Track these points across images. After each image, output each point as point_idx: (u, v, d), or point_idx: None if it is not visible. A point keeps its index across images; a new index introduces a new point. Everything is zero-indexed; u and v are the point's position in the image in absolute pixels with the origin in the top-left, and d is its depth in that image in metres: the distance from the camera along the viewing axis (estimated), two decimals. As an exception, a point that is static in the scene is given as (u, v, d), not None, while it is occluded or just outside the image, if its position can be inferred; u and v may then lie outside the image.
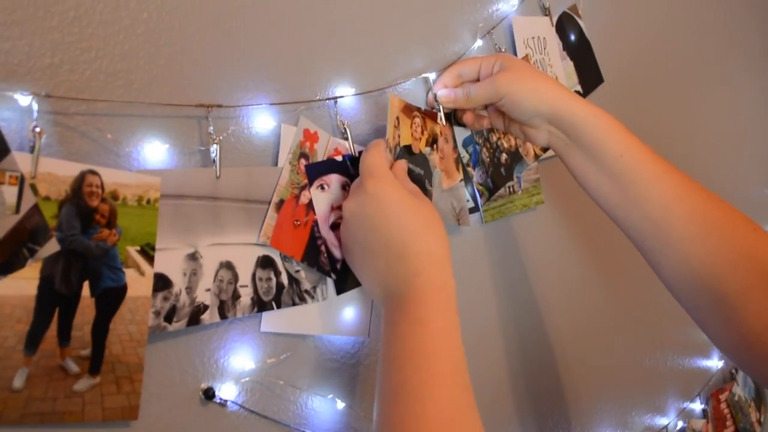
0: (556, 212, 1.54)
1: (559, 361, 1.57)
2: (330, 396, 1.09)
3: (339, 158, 1.07)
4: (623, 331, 1.78)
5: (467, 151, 1.29)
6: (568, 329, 1.59)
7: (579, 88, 1.56)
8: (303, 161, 1.03)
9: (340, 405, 1.09)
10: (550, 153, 1.45)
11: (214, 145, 0.92)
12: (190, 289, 0.92)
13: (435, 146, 1.22)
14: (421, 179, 1.17)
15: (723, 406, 2.16)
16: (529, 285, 1.49)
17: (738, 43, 2.37)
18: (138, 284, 0.86)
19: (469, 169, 1.29)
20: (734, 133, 2.35)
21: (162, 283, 0.89)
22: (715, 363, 2.21)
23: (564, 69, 1.51)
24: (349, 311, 1.10)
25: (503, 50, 1.35)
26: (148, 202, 0.87)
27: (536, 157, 1.42)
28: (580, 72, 1.56)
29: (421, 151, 1.19)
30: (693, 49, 2.10)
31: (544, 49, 1.45)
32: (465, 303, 1.23)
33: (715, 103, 2.23)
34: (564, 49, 1.52)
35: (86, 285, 0.82)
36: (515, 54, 1.39)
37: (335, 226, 1.06)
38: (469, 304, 1.33)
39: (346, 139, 1.08)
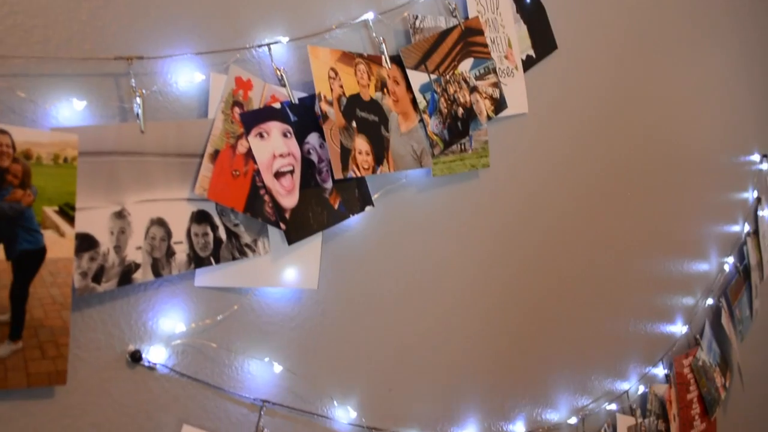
0: (502, 176, 1.57)
1: (517, 325, 1.61)
2: (267, 359, 1.11)
3: (277, 106, 1.09)
4: (584, 297, 1.83)
5: (424, 98, 1.31)
6: (525, 295, 1.63)
7: (531, 52, 1.59)
8: (237, 110, 1.04)
9: (278, 368, 1.12)
10: (502, 115, 1.48)
11: (137, 99, 0.93)
12: (119, 248, 0.93)
13: (385, 90, 1.24)
14: (376, 126, 1.19)
15: (686, 371, 2.23)
16: (481, 250, 1.52)
17: (700, 11, 2.40)
18: (58, 246, 0.87)
19: (425, 116, 1.31)
20: (697, 103, 2.39)
21: (87, 243, 0.90)
22: (679, 328, 2.27)
23: (517, 32, 1.53)
24: (295, 262, 1.12)
25: (454, 6, 1.37)
26: (66, 160, 0.88)
27: (488, 118, 1.44)
28: (533, 36, 1.59)
29: (371, 98, 1.20)
30: (653, 20, 2.13)
31: (497, 9, 1.47)
32: (420, 263, 1.26)
33: (678, 75, 2.27)
34: (518, 12, 1.54)
35: (1, 248, 0.83)
36: (466, 11, 1.41)
37: (279, 175, 1.08)
38: (420, 268, 1.37)
39: (284, 86, 1.09)
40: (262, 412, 1.10)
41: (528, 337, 1.64)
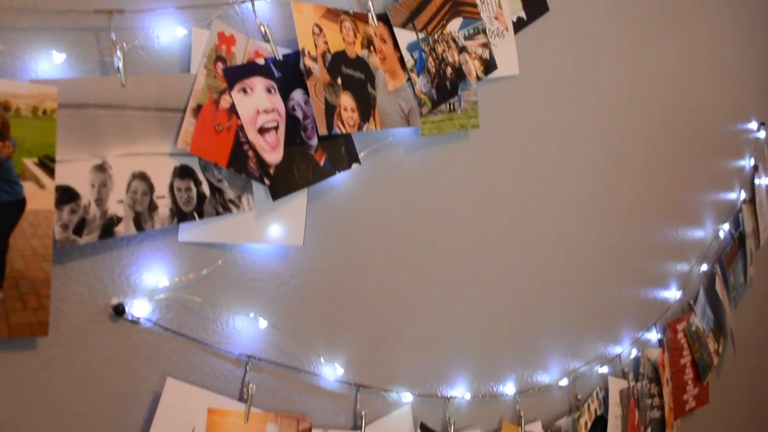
0: (492, 137, 1.57)
1: (508, 287, 1.61)
2: (252, 314, 1.11)
3: (261, 61, 1.08)
4: (577, 261, 1.83)
5: (412, 57, 1.30)
6: (517, 257, 1.63)
7: (522, 14, 1.58)
8: (220, 65, 1.04)
9: (263, 324, 1.12)
10: (492, 76, 1.48)
11: (118, 53, 0.92)
12: (100, 201, 0.93)
13: (372, 48, 1.23)
14: (362, 83, 1.19)
15: (680, 336, 2.24)
16: (471, 210, 1.52)
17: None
18: (38, 197, 0.87)
19: (413, 74, 1.30)
20: (693, 70, 2.38)
21: (67, 195, 0.90)
22: (673, 294, 2.27)
23: (508, -9, 1.53)
24: (280, 218, 1.12)
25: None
26: (45, 112, 0.87)
27: (478, 78, 1.44)
28: (524, -4, 1.59)
29: (357, 55, 1.20)
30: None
31: (487, -36, 1.46)
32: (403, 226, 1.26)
33: (674, 41, 2.25)
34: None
35: (-22, 198, 0.83)
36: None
37: (263, 131, 1.08)
38: (404, 230, 1.37)
39: (268, 41, 1.09)
40: (248, 368, 1.11)
41: (519, 299, 1.65)
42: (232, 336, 1.10)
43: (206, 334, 1.07)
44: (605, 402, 1.87)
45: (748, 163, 2.79)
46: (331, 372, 1.22)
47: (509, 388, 1.59)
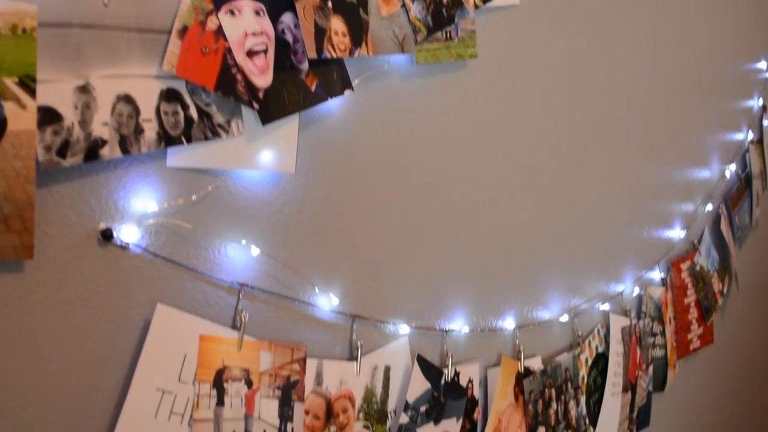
0: (491, 69, 1.54)
1: (508, 222, 1.60)
2: (244, 242, 1.10)
3: (249, -16, 1.06)
4: (578, 199, 1.81)
5: (406, -19, 1.27)
6: (517, 191, 1.62)
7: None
8: (206, -15, 1.01)
9: (256, 251, 1.11)
10: (492, 5, 1.44)
11: (97, -35, 0.90)
12: (84, 123, 0.91)
13: (366, -31, 1.20)
14: (354, 7, 1.16)
15: (684, 275, 2.22)
16: (469, 142, 1.50)
17: None
18: (19, 118, 0.85)
19: (407, 0, 1.27)
20: (701, 7, 2.33)
21: (50, 116, 0.89)
22: (677, 233, 2.26)
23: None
24: (270, 144, 1.10)
25: None
26: (24, 31, 0.85)
27: (476, 6, 1.40)
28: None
29: (349, -22, 1.17)
30: None
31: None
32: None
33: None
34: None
35: (-44, 115, 0.81)
36: None
37: (252, 54, 1.06)
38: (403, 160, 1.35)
39: (256, -36, 1.06)
40: (240, 296, 1.10)
41: (519, 235, 1.63)
42: (225, 263, 1.09)
43: (197, 261, 1.06)
44: (606, 339, 1.86)
45: (756, 103, 2.75)
46: (326, 302, 1.21)
47: (508, 323, 1.59)
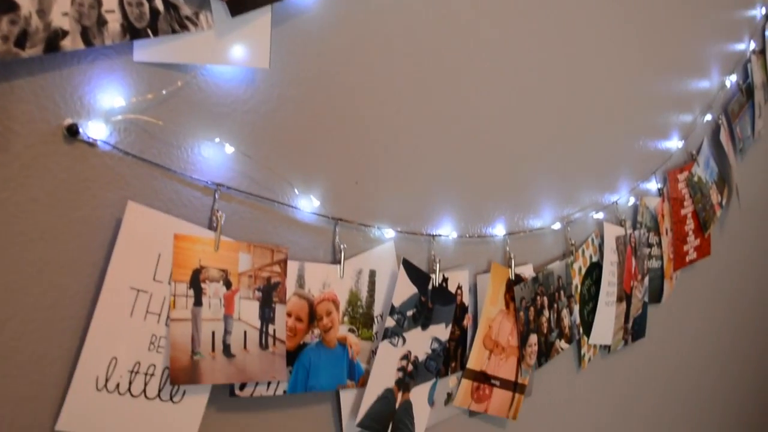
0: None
1: (499, 126, 1.56)
2: (217, 140, 1.07)
3: None
4: (574, 106, 1.77)
5: None
6: (509, 93, 1.58)
7: None
8: None
9: (230, 149, 1.08)
10: None
11: None
12: (42, 13, 0.88)
13: None
14: None
15: (681, 186, 2.20)
16: (461, 37, 1.45)
17: None
18: (-27, 4, 0.82)
19: None
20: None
21: (5, 5, 0.85)
22: (674, 144, 2.22)
23: None
24: (242, 38, 1.06)
25: None
26: None
27: None
28: None
29: None
30: None
31: None
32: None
33: None
34: None
35: None
36: None
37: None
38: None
39: None
40: (216, 196, 1.08)
41: (512, 140, 1.60)
42: (199, 163, 1.06)
43: (170, 160, 1.03)
44: (600, 249, 1.85)
45: (759, 12, 2.68)
46: (307, 204, 1.19)
47: (498, 230, 1.57)
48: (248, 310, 1.09)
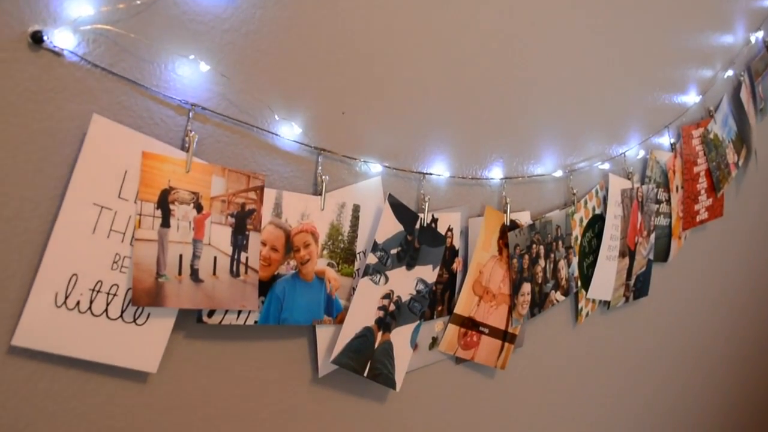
0: None
1: (502, 63, 1.51)
2: (192, 57, 1.03)
3: None
4: (582, 51, 1.71)
5: None
6: (516, 30, 1.52)
7: None
8: None
9: (205, 68, 1.05)
10: None
11: None
12: None
13: None
14: None
15: (695, 142, 2.14)
16: None
17: None
18: None
19: None
20: None
21: None
22: (692, 98, 2.16)
23: None
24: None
25: None
26: None
27: None
28: None
29: None
30: None
31: None
32: None
33: None
34: None
35: None
36: None
37: None
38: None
39: None
40: (190, 115, 1.04)
41: (516, 78, 1.55)
42: (173, 81, 1.03)
43: (141, 76, 1.00)
44: (604, 201, 1.80)
45: (791, -34, 2.57)
46: (288, 131, 1.15)
47: (495, 173, 1.52)
48: (220, 235, 1.06)
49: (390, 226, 1.28)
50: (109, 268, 0.97)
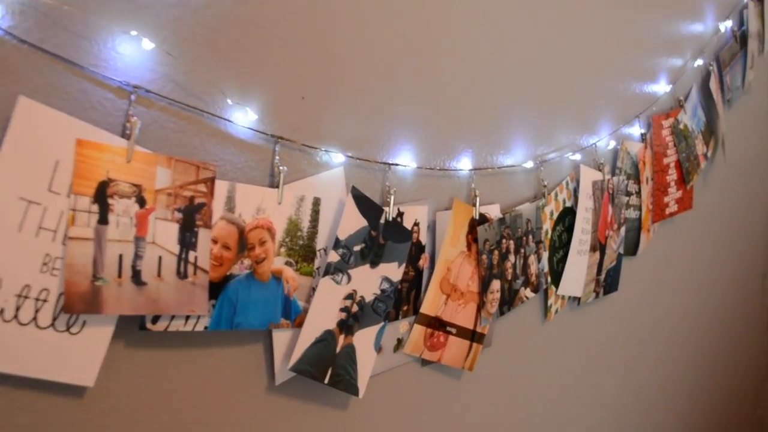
0: None
1: (470, 55, 1.42)
2: (134, 33, 0.93)
3: None
4: (555, 42, 1.63)
5: None
6: (489, 22, 1.43)
7: None
8: None
9: (149, 45, 0.94)
10: None
11: None
12: None
13: None
14: None
15: (665, 133, 2.08)
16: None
17: None
18: None
19: None
20: None
21: None
22: (662, 88, 2.10)
23: None
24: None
25: None
26: None
27: None
28: None
29: None
30: None
31: None
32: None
33: None
34: None
35: None
36: None
37: None
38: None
39: None
40: (132, 99, 0.93)
41: (485, 67, 1.46)
42: (113, 60, 0.92)
43: (77, 54, 0.89)
44: (575, 193, 1.73)
45: (759, -45, 2.53)
46: (243, 118, 1.05)
47: (464, 164, 1.44)
48: (165, 232, 0.96)
49: (353, 221, 1.19)
50: (38, 270, 0.86)
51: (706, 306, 2.66)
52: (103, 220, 0.90)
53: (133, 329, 0.97)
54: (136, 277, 0.93)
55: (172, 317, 0.98)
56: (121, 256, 0.92)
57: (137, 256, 0.93)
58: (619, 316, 2.10)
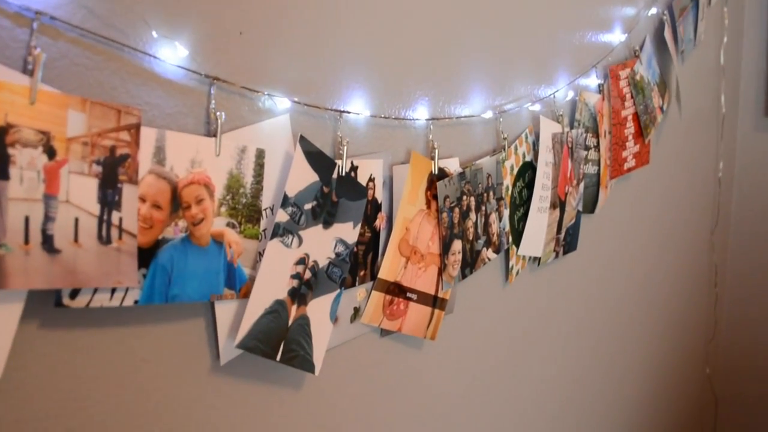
0: None
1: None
2: (32, -54, 0.76)
3: None
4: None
5: None
6: None
7: None
8: None
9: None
10: None
11: None
12: None
13: None
14: None
15: (622, 84, 1.98)
16: None
17: None
18: None
19: None
20: None
21: None
22: (617, 37, 1.99)
23: None
24: None
25: None
26: None
27: None
28: None
29: None
30: None
31: None
32: None
33: None
34: None
35: None
36: None
37: None
38: None
39: None
40: (34, 27, 0.77)
41: (440, 9, 1.32)
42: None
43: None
44: (535, 147, 1.61)
45: None
46: (171, 54, 0.89)
47: (420, 113, 1.30)
48: (82, 189, 0.80)
49: (302, 176, 1.04)
50: None
51: (659, 264, 2.60)
52: (2, 174, 0.74)
53: (47, 307, 0.81)
54: (48, 243, 0.77)
55: (95, 290, 0.83)
56: (27, 218, 0.75)
57: (48, 218, 0.77)
58: (579, 276, 2.01)
